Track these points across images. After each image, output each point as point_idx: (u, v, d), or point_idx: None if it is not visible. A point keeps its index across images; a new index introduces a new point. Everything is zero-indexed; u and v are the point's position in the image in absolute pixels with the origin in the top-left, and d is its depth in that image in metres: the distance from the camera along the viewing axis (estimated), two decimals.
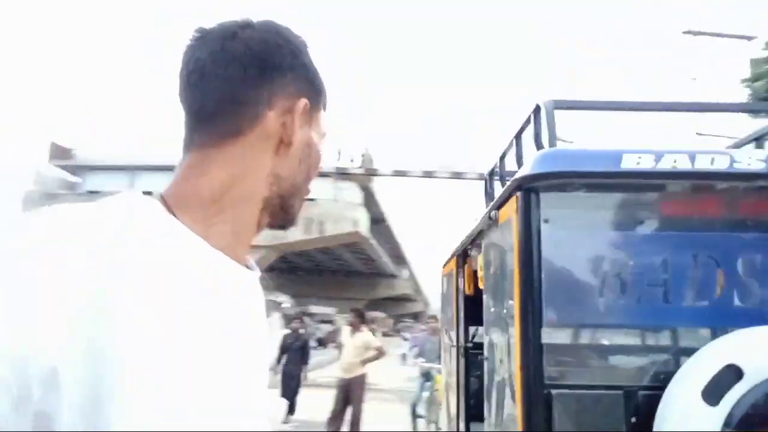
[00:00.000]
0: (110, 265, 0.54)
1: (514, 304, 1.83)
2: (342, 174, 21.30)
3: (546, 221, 1.83)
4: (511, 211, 1.94)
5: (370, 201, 27.59)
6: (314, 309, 30.50)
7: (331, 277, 41.40)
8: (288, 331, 10.52)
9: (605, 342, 2.16)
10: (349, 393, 7.99)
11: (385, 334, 45.41)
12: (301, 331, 10.43)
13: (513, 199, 1.92)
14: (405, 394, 13.03)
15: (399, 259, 45.59)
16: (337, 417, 7.95)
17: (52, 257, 0.53)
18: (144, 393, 0.53)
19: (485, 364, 2.44)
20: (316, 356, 22.03)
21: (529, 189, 1.85)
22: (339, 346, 26.63)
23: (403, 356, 23.45)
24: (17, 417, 0.49)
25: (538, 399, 1.70)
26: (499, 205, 2.18)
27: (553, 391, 1.71)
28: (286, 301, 25.28)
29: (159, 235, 0.60)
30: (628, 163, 1.81)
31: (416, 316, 57.75)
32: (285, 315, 23.73)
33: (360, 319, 8.33)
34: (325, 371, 18.82)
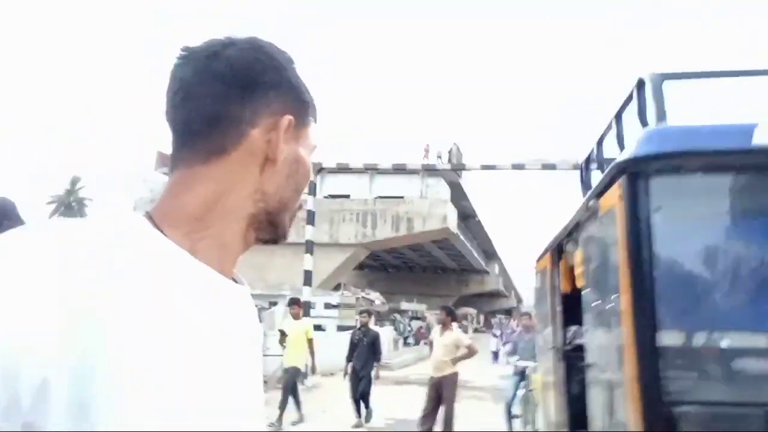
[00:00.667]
0: (98, 278, 0.54)
1: (622, 305, 1.58)
2: (429, 171, 21.04)
3: (657, 209, 1.56)
4: (614, 200, 1.69)
5: (458, 197, 27.16)
6: (405, 306, 30.55)
7: (421, 274, 41.26)
8: (358, 326, 9.62)
9: (735, 349, 1.80)
10: (441, 392, 7.82)
11: (476, 331, 44.76)
12: (371, 325, 9.52)
13: (616, 186, 1.67)
14: (498, 393, 12.67)
15: (489, 254, 44.62)
16: (429, 416, 7.80)
17: (41, 270, 0.53)
18: (133, 404, 0.53)
19: (588, 370, 2.19)
20: (408, 352, 22.13)
21: (635, 173, 1.60)
22: (430, 344, 26.57)
23: (495, 354, 22.88)
24: (6, 426, 0.49)
25: (657, 417, 1.44)
26: (599, 194, 1.92)
27: (675, 409, 1.44)
28: (377, 298, 25.51)
29: (145, 249, 0.60)
30: (762, 139, 1.49)
31: (508, 312, 56.41)
32: (377, 312, 23.97)
33: (450, 317, 8.11)
34: (416, 368, 18.82)
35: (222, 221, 0.69)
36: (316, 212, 14.75)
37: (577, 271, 2.40)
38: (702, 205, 1.71)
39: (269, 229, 0.74)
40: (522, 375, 8.44)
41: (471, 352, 8.07)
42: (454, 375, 7.92)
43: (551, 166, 13.35)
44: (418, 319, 30.00)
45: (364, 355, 9.04)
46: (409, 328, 27.22)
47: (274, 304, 17.80)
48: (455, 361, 7.86)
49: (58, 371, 0.51)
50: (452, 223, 25.32)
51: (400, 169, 18.10)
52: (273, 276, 24.20)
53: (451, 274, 42.12)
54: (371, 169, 18.30)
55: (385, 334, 21.86)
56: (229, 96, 0.69)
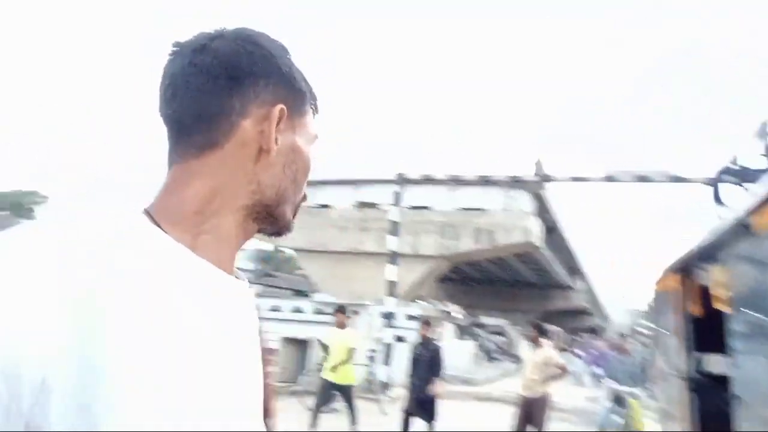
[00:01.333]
0: (99, 278, 0.55)
1: None
2: (515, 182, 20.48)
3: None
4: None
5: (542, 209, 26.37)
6: (485, 320, 29.93)
7: (502, 288, 40.27)
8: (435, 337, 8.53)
9: None
10: (531, 413, 7.52)
11: (561, 349, 43.18)
12: (433, 338, 8.32)
13: None
14: (587, 416, 12.07)
15: (573, 269, 42.92)
16: None
17: (41, 269, 0.53)
18: (133, 404, 0.53)
19: (735, 403, 1.96)
20: (491, 368, 21.61)
21: None
22: (516, 360, 25.86)
23: (576, 374, 21.66)
24: (7, 426, 0.49)
25: None
26: (757, 209, 1.72)
27: None
28: (456, 311, 25.15)
29: (145, 248, 0.61)
30: None
31: (593, 331, 53.90)
32: (458, 326, 23.61)
33: (540, 334, 7.82)
34: (500, 384, 18.33)
35: (219, 215, 0.70)
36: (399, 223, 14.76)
37: (721, 293, 2.17)
38: None
39: (269, 220, 0.74)
40: (619, 401, 8.00)
41: (563, 372, 7.72)
42: (545, 396, 7.60)
43: (645, 179, 12.64)
44: (499, 334, 29.25)
45: (424, 370, 7.78)
46: (490, 343, 26.57)
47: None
48: (546, 380, 7.55)
49: (59, 370, 0.51)
50: (536, 236, 24.58)
51: (485, 181, 17.81)
52: (357, 286, 24.44)
53: (533, 288, 40.83)
54: (455, 181, 18.12)
55: (466, 347, 21.47)
56: (216, 88, 0.69)
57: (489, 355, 25.34)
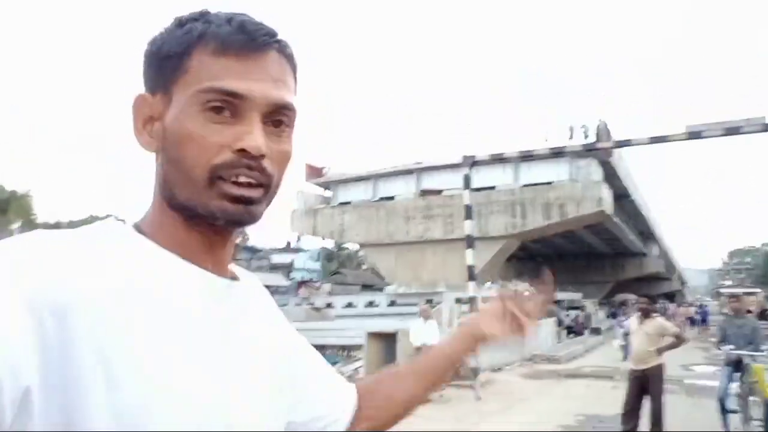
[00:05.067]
0: (66, 282, 0.55)
1: None
2: (590, 150, 19.50)
3: None
4: None
5: (611, 176, 25.37)
6: (560, 296, 29.22)
7: (572, 262, 39.04)
8: None
9: None
10: (645, 385, 7.24)
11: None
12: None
13: None
14: (685, 385, 11.55)
15: (646, 235, 41.22)
16: (632, 412, 7.25)
17: (15, 280, 0.53)
18: (108, 404, 0.53)
19: None
20: (573, 344, 21.08)
21: None
22: (597, 333, 25.19)
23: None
24: None
25: None
26: None
27: None
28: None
29: (121, 253, 0.61)
30: None
31: (671, 296, 51.79)
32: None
33: (651, 305, 7.52)
34: (585, 360, 17.87)
35: (160, 216, 0.69)
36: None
37: None
38: None
39: (192, 214, 0.66)
40: (735, 365, 7.54)
41: (680, 341, 7.37)
42: (661, 367, 7.32)
43: (735, 130, 11.83)
44: (575, 308, 28.49)
45: None
46: (567, 319, 25.90)
47: (430, 301, 17.90)
48: (661, 351, 7.25)
49: (37, 379, 0.51)
50: (608, 205, 23.72)
51: (553, 153, 17.21)
52: (425, 274, 24.35)
53: (605, 259, 39.47)
54: (523, 156, 17.58)
55: (546, 326, 20.98)
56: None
57: (569, 331, 24.76)
